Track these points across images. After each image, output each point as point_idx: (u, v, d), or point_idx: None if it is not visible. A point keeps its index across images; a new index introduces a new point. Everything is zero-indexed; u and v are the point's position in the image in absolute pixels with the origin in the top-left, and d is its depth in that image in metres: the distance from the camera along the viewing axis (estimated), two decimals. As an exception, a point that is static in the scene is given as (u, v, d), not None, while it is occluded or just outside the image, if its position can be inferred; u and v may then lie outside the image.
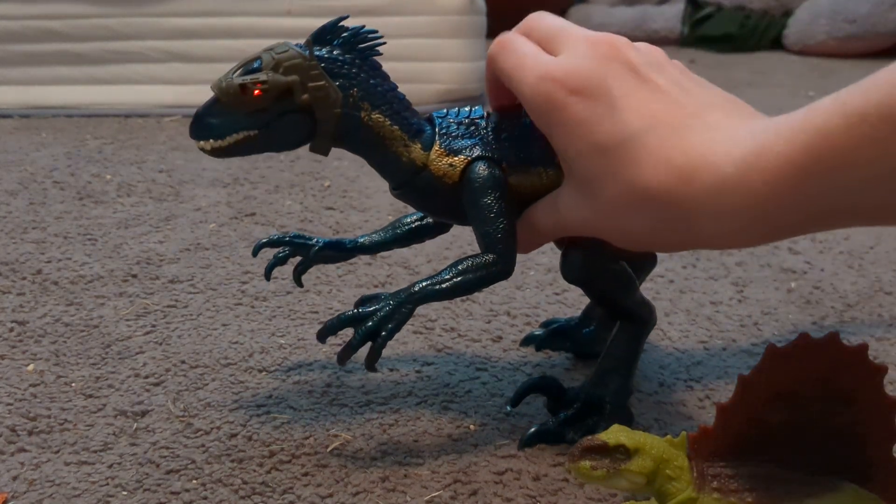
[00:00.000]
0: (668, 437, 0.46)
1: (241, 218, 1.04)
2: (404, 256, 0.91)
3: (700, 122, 0.49)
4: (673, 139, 0.48)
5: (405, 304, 0.55)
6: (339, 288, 0.85)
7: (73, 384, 0.66)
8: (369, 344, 0.56)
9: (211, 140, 0.54)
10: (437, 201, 0.59)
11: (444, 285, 0.55)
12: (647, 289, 0.84)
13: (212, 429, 0.61)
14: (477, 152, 0.57)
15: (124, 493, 0.54)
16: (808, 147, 0.42)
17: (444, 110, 0.60)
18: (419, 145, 0.57)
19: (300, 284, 0.69)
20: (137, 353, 0.71)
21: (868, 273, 0.91)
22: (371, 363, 0.56)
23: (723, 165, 0.46)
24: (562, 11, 2.65)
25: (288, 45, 0.55)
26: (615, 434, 0.45)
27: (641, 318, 0.60)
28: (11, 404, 0.63)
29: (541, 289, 0.85)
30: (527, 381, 0.63)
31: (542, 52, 0.55)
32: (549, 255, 0.92)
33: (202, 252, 0.93)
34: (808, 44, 2.40)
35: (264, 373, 0.69)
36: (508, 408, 0.64)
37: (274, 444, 0.59)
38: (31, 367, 0.69)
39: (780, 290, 0.86)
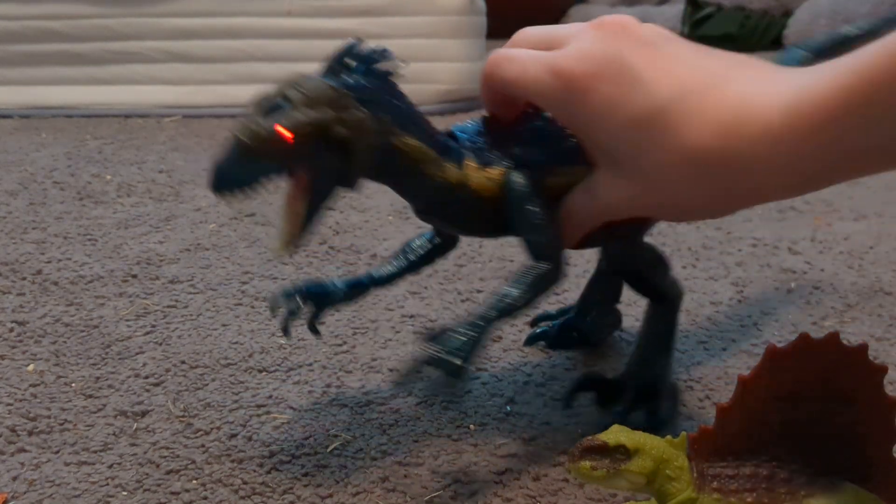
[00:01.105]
0: (668, 437, 0.46)
1: (241, 218, 1.04)
2: (404, 256, 0.91)
3: (731, 79, 0.49)
4: (710, 98, 0.48)
5: (483, 331, 0.52)
6: (339, 288, 0.84)
7: (73, 384, 0.66)
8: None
9: (238, 192, 0.50)
10: (473, 218, 0.57)
11: (515, 303, 0.53)
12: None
13: (212, 429, 0.61)
14: (512, 161, 0.55)
15: (124, 493, 0.54)
16: (851, 86, 0.42)
17: (463, 124, 0.58)
18: (452, 163, 0.55)
19: (318, 334, 0.63)
20: (137, 353, 0.71)
21: (868, 273, 0.91)
22: (455, 395, 0.54)
23: (767, 114, 0.45)
24: (562, 12, 2.66)
25: (312, 78, 0.51)
26: (615, 434, 0.45)
27: (674, 297, 0.62)
28: (11, 404, 0.63)
29: (541, 289, 0.85)
30: (574, 381, 0.63)
31: (544, 52, 0.54)
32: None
33: (202, 252, 0.93)
34: (808, 44, 2.41)
35: (264, 373, 0.69)
36: (508, 408, 0.64)
37: (274, 444, 0.59)
38: (31, 367, 0.69)
39: (780, 290, 0.86)
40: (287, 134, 0.48)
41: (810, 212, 1.09)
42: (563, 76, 0.51)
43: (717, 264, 0.92)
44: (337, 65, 0.52)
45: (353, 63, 0.52)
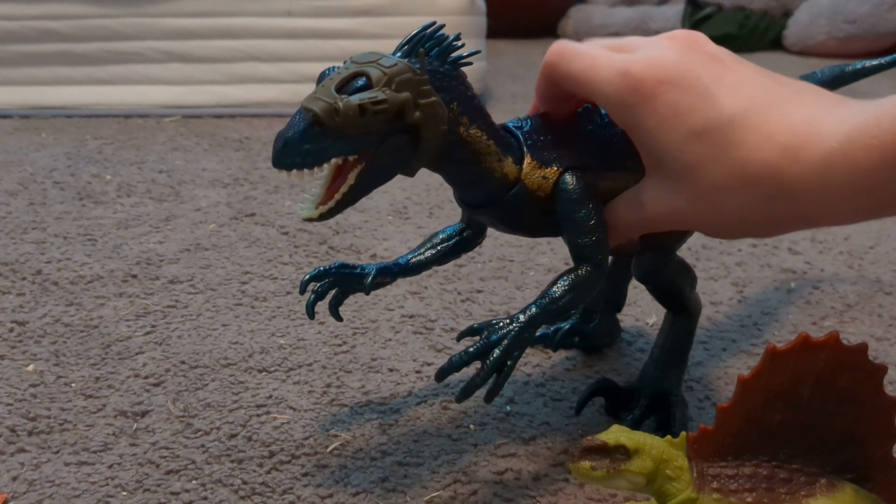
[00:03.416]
0: (668, 437, 0.46)
1: (241, 218, 1.04)
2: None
3: (797, 102, 0.49)
4: (774, 118, 0.48)
5: (526, 329, 0.52)
6: (339, 288, 0.85)
7: (73, 384, 0.66)
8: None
9: (306, 170, 0.48)
10: (526, 216, 0.56)
11: (559, 304, 0.53)
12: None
13: (212, 429, 0.61)
14: (567, 162, 0.55)
15: (124, 493, 0.54)
16: None
17: (518, 120, 0.57)
18: (511, 159, 0.54)
19: (339, 318, 0.63)
20: (137, 354, 0.71)
21: (868, 273, 0.91)
22: (492, 396, 0.52)
23: (828, 141, 0.45)
24: (562, 12, 2.65)
25: (394, 58, 0.50)
26: (615, 434, 0.45)
27: (695, 311, 0.62)
28: (11, 404, 0.63)
29: (541, 289, 0.85)
30: (587, 387, 0.64)
31: (616, 53, 0.53)
32: (548, 256, 0.92)
33: (202, 252, 0.93)
34: (807, 44, 2.40)
35: (264, 373, 0.69)
36: (508, 408, 0.64)
37: (274, 444, 0.59)
38: (31, 367, 0.69)
39: (780, 290, 0.86)
40: (371, 111, 0.47)
41: (810, 212, 1.09)
42: (633, 79, 0.51)
43: (717, 264, 0.92)
44: (415, 45, 0.51)
45: (431, 46, 0.51)
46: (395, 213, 1.07)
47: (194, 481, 0.55)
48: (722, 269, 0.91)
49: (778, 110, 0.48)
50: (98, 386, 0.66)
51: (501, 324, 0.52)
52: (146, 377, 0.68)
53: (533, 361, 0.72)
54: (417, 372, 0.69)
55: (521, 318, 0.52)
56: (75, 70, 1.59)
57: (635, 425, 0.60)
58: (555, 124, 0.57)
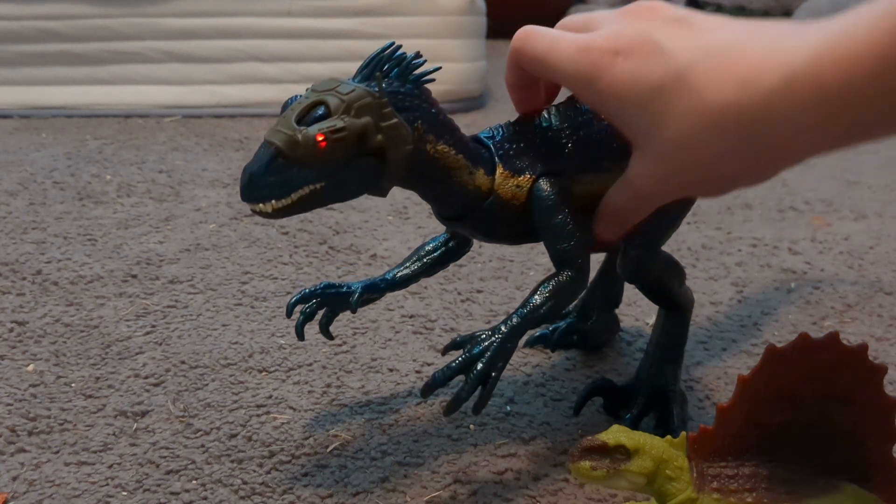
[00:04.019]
0: (668, 437, 0.46)
1: (241, 218, 1.04)
2: (402, 255, 0.91)
3: (758, 35, 0.46)
4: (732, 55, 0.46)
5: (509, 340, 0.52)
6: (339, 288, 0.84)
7: (73, 384, 0.66)
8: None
9: (273, 201, 0.48)
10: (503, 225, 0.56)
11: (541, 311, 0.53)
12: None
13: (212, 429, 0.61)
14: (540, 168, 0.55)
15: (124, 493, 0.54)
16: (892, 30, 0.39)
17: (490, 130, 0.57)
18: (482, 171, 0.55)
19: (330, 337, 0.64)
20: (137, 354, 0.71)
21: (868, 273, 0.91)
22: (480, 408, 0.52)
23: (790, 61, 0.43)
24: (562, 12, 2.65)
25: (350, 83, 0.50)
26: (615, 434, 0.45)
27: (686, 306, 0.62)
28: (11, 404, 0.63)
29: (541, 289, 0.85)
30: (585, 388, 0.64)
31: (578, 33, 0.53)
32: (548, 256, 0.92)
33: (202, 252, 0.93)
34: (808, 44, 2.41)
35: (264, 373, 0.69)
36: (508, 408, 0.64)
37: (274, 444, 0.59)
38: (31, 367, 0.69)
39: (780, 290, 0.86)
40: (331, 141, 0.47)
41: (810, 212, 1.09)
42: (592, 54, 0.50)
43: (717, 264, 0.92)
44: (373, 68, 0.51)
45: (390, 67, 0.51)
46: (395, 214, 1.07)
47: (194, 481, 0.55)
48: (722, 269, 0.91)
49: (738, 48, 0.46)
50: (98, 386, 0.66)
51: (484, 335, 0.52)
52: (146, 377, 0.68)
53: (533, 361, 0.72)
54: (417, 372, 0.69)
55: (503, 329, 0.52)
56: (75, 70, 1.59)
57: (634, 423, 0.60)
58: (528, 131, 0.57)
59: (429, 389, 0.52)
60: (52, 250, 0.92)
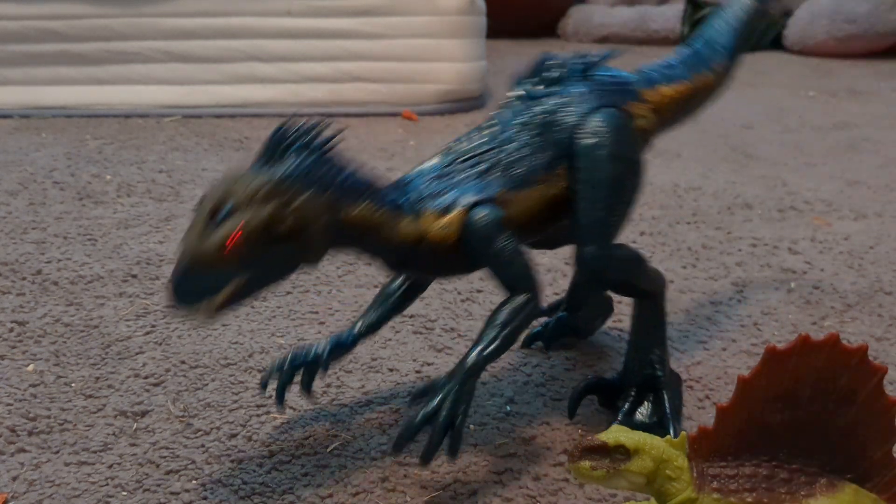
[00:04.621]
0: (668, 437, 0.46)
1: (241, 218, 1.04)
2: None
3: None
4: None
5: (466, 381, 0.53)
6: (338, 288, 0.85)
7: (73, 384, 0.66)
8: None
9: (203, 303, 0.49)
10: (443, 264, 0.56)
11: (495, 345, 0.53)
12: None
13: (212, 429, 0.61)
14: (467, 200, 0.55)
15: (124, 493, 0.54)
16: None
17: (420, 166, 0.57)
18: (408, 219, 0.54)
19: (311, 395, 0.64)
20: (137, 353, 0.71)
21: (868, 273, 0.90)
22: (455, 451, 0.53)
23: None
24: (562, 12, 2.65)
25: (248, 174, 0.50)
26: (615, 434, 0.45)
27: (657, 289, 0.61)
28: (11, 404, 0.63)
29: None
30: (575, 389, 0.63)
31: None
32: (549, 256, 0.92)
33: (202, 252, 0.93)
34: (808, 44, 2.40)
35: (264, 373, 0.69)
36: (508, 408, 0.64)
37: (274, 444, 0.59)
38: (31, 367, 0.69)
39: (780, 290, 0.86)
40: (237, 241, 0.48)
41: (810, 212, 1.09)
42: None
43: (717, 264, 0.92)
44: (272, 150, 0.51)
45: (290, 144, 0.51)
46: (395, 213, 1.07)
47: (194, 481, 0.55)
48: (722, 269, 0.91)
49: None
50: (98, 386, 0.66)
51: (442, 382, 0.53)
52: (146, 377, 0.68)
53: (533, 361, 0.72)
54: (417, 372, 0.69)
55: (460, 372, 0.52)
56: (75, 70, 1.59)
57: (629, 415, 0.60)
58: (452, 160, 0.57)
59: (399, 446, 0.52)
60: (52, 250, 0.92)
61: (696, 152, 1.35)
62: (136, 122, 1.53)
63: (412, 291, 0.62)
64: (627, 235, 0.99)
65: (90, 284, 0.84)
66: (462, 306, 0.81)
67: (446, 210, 0.55)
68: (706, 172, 1.25)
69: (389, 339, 0.74)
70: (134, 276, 0.86)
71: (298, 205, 0.49)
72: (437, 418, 0.51)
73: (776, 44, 2.54)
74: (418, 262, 0.56)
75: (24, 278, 0.85)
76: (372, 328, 0.62)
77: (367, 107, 1.56)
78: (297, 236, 0.50)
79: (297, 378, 0.62)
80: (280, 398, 0.61)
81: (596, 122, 0.58)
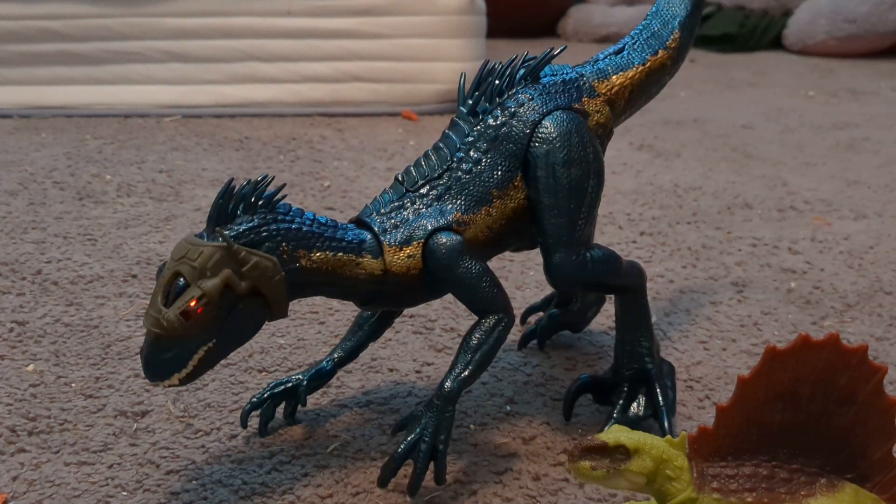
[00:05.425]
0: (668, 437, 0.46)
1: (241, 218, 1.04)
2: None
3: None
4: None
5: (445, 409, 0.53)
6: (339, 288, 0.84)
7: (73, 384, 0.66)
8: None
9: (175, 375, 0.50)
10: (411, 294, 0.57)
11: (469, 369, 0.54)
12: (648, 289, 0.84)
13: (212, 429, 0.61)
14: (425, 229, 0.55)
15: (124, 493, 0.54)
16: None
17: (373, 202, 0.57)
18: (369, 255, 0.54)
19: (294, 422, 0.63)
20: (137, 353, 0.71)
21: (868, 273, 0.90)
22: (441, 479, 0.54)
23: None
24: (562, 12, 2.65)
25: (198, 243, 0.50)
26: (615, 434, 0.45)
27: (636, 283, 0.61)
28: (11, 404, 0.63)
29: (540, 289, 0.85)
30: (568, 390, 0.63)
31: None
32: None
33: (202, 252, 0.93)
34: (807, 43, 2.40)
35: (264, 373, 0.69)
36: (508, 408, 0.64)
37: (274, 444, 0.59)
38: (31, 367, 0.69)
39: (780, 290, 0.86)
40: (194, 313, 0.49)
41: (810, 212, 1.09)
42: None
43: (717, 264, 0.92)
44: (220, 214, 0.51)
45: (234, 207, 0.51)
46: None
47: (194, 481, 0.55)
48: (722, 269, 0.91)
49: None
50: (98, 386, 0.66)
51: (420, 412, 0.53)
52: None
53: (533, 362, 0.72)
54: (417, 372, 0.69)
55: (437, 402, 0.53)
56: (75, 70, 1.59)
57: (625, 410, 0.60)
58: (408, 190, 0.57)
59: (384, 480, 0.53)
60: (52, 250, 0.92)
61: (696, 152, 1.35)
62: (136, 122, 1.53)
63: (386, 318, 0.63)
64: (627, 235, 0.99)
65: (90, 284, 0.84)
66: (462, 306, 0.81)
67: (406, 242, 0.55)
68: (706, 172, 1.25)
69: (389, 340, 0.74)
70: (134, 276, 0.86)
71: (252, 266, 0.50)
72: (419, 450, 0.52)
73: (776, 43, 2.54)
74: (386, 297, 0.56)
75: (24, 278, 0.85)
76: (351, 355, 0.63)
77: (367, 107, 1.56)
78: (256, 296, 0.51)
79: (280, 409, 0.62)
80: (263, 433, 0.61)
81: (547, 129, 0.58)
